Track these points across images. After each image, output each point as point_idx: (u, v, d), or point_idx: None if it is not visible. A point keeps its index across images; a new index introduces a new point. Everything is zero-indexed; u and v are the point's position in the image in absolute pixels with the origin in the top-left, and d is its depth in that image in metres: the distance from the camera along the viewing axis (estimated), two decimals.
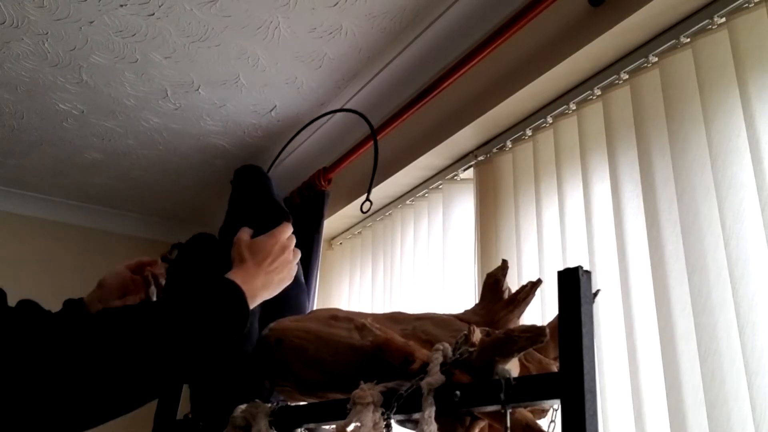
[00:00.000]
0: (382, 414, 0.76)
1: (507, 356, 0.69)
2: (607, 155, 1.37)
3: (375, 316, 0.95)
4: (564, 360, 0.62)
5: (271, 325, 1.07)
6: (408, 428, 0.84)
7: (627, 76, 1.37)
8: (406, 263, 1.95)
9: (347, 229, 2.37)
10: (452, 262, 1.76)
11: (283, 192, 1.57)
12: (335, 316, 0.99)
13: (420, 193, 1.99)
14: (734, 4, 1.17)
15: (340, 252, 2.40)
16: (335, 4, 1.71)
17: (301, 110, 2.22)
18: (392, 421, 0.78)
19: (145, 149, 2.57)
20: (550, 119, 1.55)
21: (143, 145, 2.54)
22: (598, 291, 0.71)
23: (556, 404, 0.67)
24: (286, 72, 2.02)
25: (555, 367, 0.79)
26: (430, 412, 0.71)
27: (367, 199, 1.50)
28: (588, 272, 0.63)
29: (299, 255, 1.13)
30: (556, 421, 0.68)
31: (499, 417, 0.70)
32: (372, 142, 1.62)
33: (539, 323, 0.98)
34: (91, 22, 1.84)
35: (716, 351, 1.04)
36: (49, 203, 3.09)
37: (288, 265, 1.08)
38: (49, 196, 3.06)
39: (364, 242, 2.27)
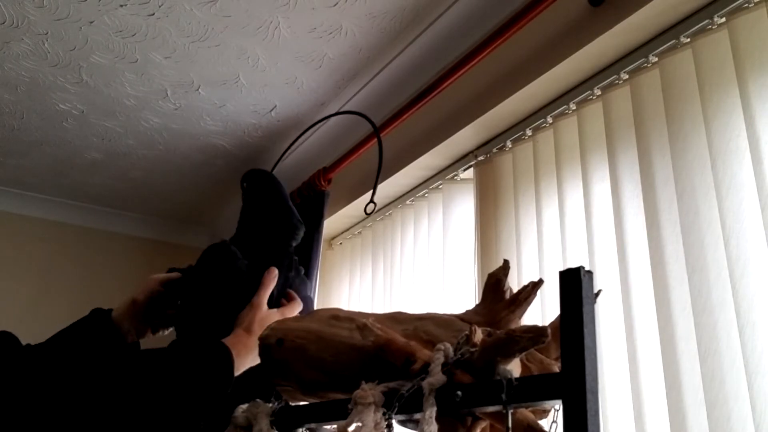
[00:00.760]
0: (384, 414, 0.77)
1: (508, 356, 0.69)
2: (607, 155, 1.37)
3: (376, 316, 0.95)
4: (566, 360, 0.62)
5: (272, 324, 1.07)
6: (409, 428, 0.84)
7: (627, 76, 1.37)
8: (406, 263, 1.95)
9: (347, 229, 2.37)
10: (452, 262, 1.76)
11: None
12: (336, 316, 0.99)
13: (420, 193, 1.99)
14: (734, 4, 1.17)
15: (340, 252, 2.40)
16: (335, 4, 1.72)
17: (301, 110, 2.22)
18: (393, 422, 0.78)
19: (145, 149, 2.57)
20: (550, 119, 1.55)
21: (143, 145, 2.54)
22: (599, 291, 0.71)
23: (558, 405, 0.67)
24: (286, 72, 2.02)
25: (557, 368, 0.79)
26: (431, 412, 0.71)
27: (372, 201, 1.50)
28: (590, 272, 0.64)
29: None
30: (557, 421, 0.68)
31: (500, 417, 0.70)
32: (373, 140, 1.62)
33: (540, 323, 0.98)
34: (91, 22, 1.84)
35: (716, 351, 1.04)
36: (49, 203, 3.09)
37: None
38: (49, 196, 3.06)
39: (364, 242, 2.27)
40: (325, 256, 2.37)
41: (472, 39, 1.70)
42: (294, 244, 1.33)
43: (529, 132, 1.61)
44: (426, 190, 1.96)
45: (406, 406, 0.75)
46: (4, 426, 0.83)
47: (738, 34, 1.16)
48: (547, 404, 0.69)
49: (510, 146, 1.66)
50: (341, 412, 0.81)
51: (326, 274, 2.40)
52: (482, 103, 1.65)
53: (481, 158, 1.75)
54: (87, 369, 0.90)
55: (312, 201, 2.08)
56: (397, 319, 0.94)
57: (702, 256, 1.11)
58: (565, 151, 1.49)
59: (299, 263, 1.35)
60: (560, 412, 0.63)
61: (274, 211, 1.33)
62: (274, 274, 1.20)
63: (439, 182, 1.91)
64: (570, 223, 1.41)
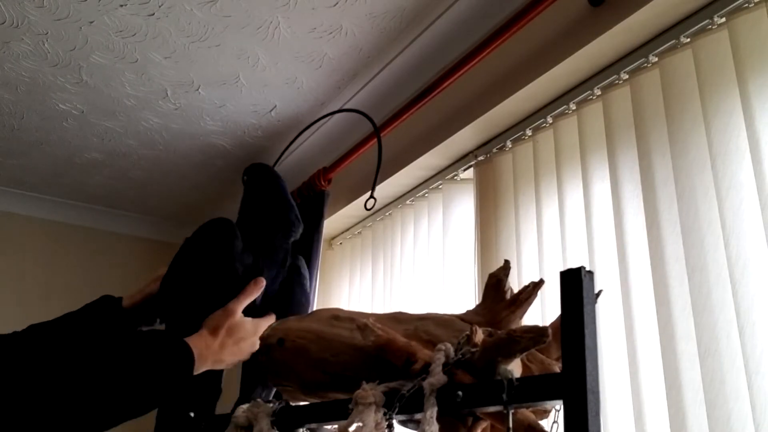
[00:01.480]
0: (384, 414, 0.77)
1: (509, 357, 0.70)
2: (607, 155, 1.37)
3: (377, 316, 0.95)
4: (566, 361, 0.62)
5: (273, 324, 1.07)
6: (410, 428, 0.84)
7: (627, 76, 1.37)
8: (406, 263, 1.95)
9: (347, 229, 2.37)
10: (452, 262, 1.76)
11: None
12: (337, 316, 1.00)
13: (420, 193, 1.99)
14: (734, 4, 1.17)
15: (340, 252, 2.40)
16: (335, 4, 1.72)
17: (301, 110, 2.22)
18: (394, 422, 0.78)
19: (145, 149, 2.57)
20: (550, 119, 1.55)
21: (143, 145, 2.54)
22: (600, 292, 0.71)
23: (559, 405, 0.67)
24: (286, 72, 2.02)
25: (557, 368, 0.79)
26: (432, 412, 0.71)
27: (371, 197, 1.50)
28: (590, 273, 0.64)
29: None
30: (558, 421, 0.68)
31: (501, 417, 0.70)
32: (373, 141, 1.62)
33: (540, 323, 0.98)
34: (91, 22, 1.84)
35: (716, 351, 1.04)
36: (49, 203, 3.09)
37: (249, 351, 1.14)
38: (49, 196, 3.06)
39: (364, 242, 2.27)
40: (325, 256, 2.37)
41: (472, 39, 1.70)
42: (291, 240, 1.32)
43: (529, 132, 1.61)
44: (426, 190, 1.96)
45: (407, 406, 0.75)
46: None
47: (738, 34, 1.16)
48: (548, 404, 0.69)
49: (510, 146, 1.66)
50: (342, 412, 0.81)
51: (326, 274, 2.40)
52: (482, 103, 1.65)
53: (481, 158, 1.75)
54: (50, 354, 0.92)
55: (312, 201, 2.08)
56: (397, 319, 0.94)
57: (702, 256, 1.11)
58: (565, 151, 1.49)
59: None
60: (561, 413, 0.64)
61: (273, 205, 1.32)
62: (261, 285, 1.19)
63: (439, 182, 1.91)
64: (570, 223, 1.41)
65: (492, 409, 0.71)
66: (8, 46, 1.95)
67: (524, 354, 0.73)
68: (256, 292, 1.18)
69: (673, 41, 1.28)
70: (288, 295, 1.28)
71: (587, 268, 0.64)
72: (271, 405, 0.99)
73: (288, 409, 0.97)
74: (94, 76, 2.10)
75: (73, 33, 1.88)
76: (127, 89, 2.16)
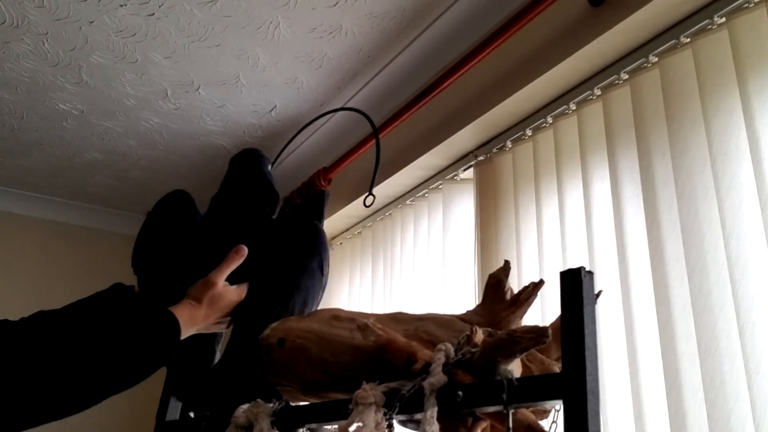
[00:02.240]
0: (384, 414, 0.77)
1: (509, 357, 0.70)
2: (607, 155, 1.37)
3: (377, 317, 0.95)
4: (566, 361, 0.62)
5: (273, 324, 1.07)
6: (410, 428, 0.84)
7: (627, 76, 1.37)
8: (406, 263, 1.95)
9: (347, 229, 2.37)
10: (452, 262, 1.76)
11: (283, 192, 1.57)
12: (337, 316, 1.00)
13: (420, 193, 1.99)
14: (734, 4, 1.17)
15: (340, 252, 2.40)
16: (335, 4, 1.72)
17: (301, 110, 2.22)
18: (394, 422, 0.78)
19: (145, 149, 2.57)
20: (550, 119, 1.55)
21: (143, 145, 2.54)
22: (600, 292, 0.71)
23: (559, 405, 0.67)
24: (286, 72, 2.02)
25: (557, 368, 0.79)
26: (432, 412, 0.71)
27: (370, 193, 1.50)
28: (590, 273, 0.64)
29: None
30: (557, 421, 0.68)
31: (501, 417, 0.70)
32: (373, 141, 1.62)
33: (540, 324, 0.98)
34: (91, 22, 1.84)
35: (716, 351, 1.04)
36: (49, 203, 3.09)
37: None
38: (49, 196, 3.06)
39: (364, 242, 2.27)
40: None
41: (472, 39, 1.70)
42: (271, 213, 1.32)
43: (529, 132, 1.61)
44: (426, 190, 1.96)
45: (407, 406, 0.75)
46: None
47: (738, 34, 1.16)
48: (548, 404, 0.69)
49: (510, 146, 1.66)
50: (342, 412, 0.81)
51: None
52: (482, 103, 1.65)
53: (481, 158, 1.75)
54: (39, 330, 0.93)
55: (312, 201, 2.08)
56: (397, 319, 0.94)
57: (702, 256, 1.11)
58: (565, 151, 1.49)
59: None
60: (561, 413, 0.64)
61: (251, 178, 1.33)
62: (242, 253, 1.17)
63: (439, 182, 1.91)
64: (570, 223, 1.41)
65: (492, 409, 0.71)
66: (8, 46, 1.95)
67: (524, 354, 0.73)
68: (237, 261, 1.16)
69: (673, 41, 1.28)
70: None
71: (587, 268, 0.64)
72: (271, 405, 0.99)
73: (288, 409, 0.97)
74: (94, 76, 2.10)
75: (73, 33, 1.88)
76: (127, 89, 2.16)
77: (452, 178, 1.86)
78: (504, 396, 0.66)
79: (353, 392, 0.79)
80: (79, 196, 3.05)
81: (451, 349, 0.77)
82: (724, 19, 1.19)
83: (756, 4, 1.14)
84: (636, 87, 1.34)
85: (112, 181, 2.87)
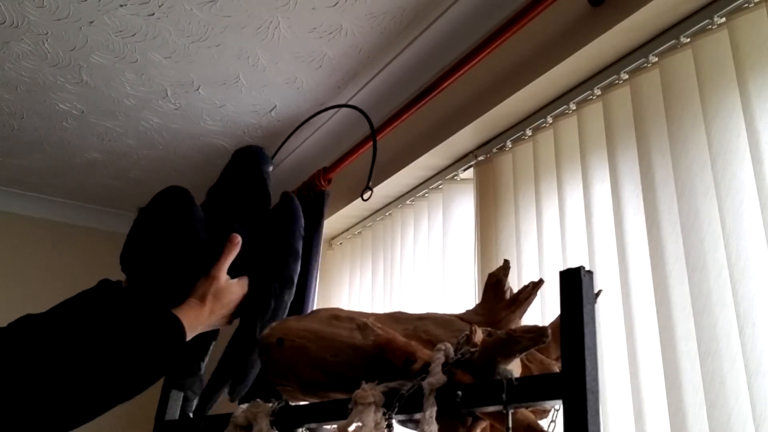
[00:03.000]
0: (384, 414, 0.76)
1: (509, 356, 0.69)
2: (607, 155, 1.37)
3: (376, 316, 0.95)
4: (566, 361, 0.62)
5: (273, 324, 1.06)
6: (409, 428, 0.84)
7: (627, 76, 1.37)
8: (406, 263, 1.95)
9: (347, 229, 2.37)
10: (452, 262, 1.76)
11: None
12: (336, 316, 0.99)
13: (420, 193, 1.99)
14: (734, 4, 1.17)
15: (340, 252, 2.40)
16: (335, 4, 1.72)
17: (301, 110, 2.22)
18: (393, 421, 0.78)
19: (145, 149, 2.57)
20: (550, 119, 1.55)
21: (143, 145, 2.54)
22: (600, 291, 0.71)
23: (558, 405, 0.67)
24: (286, 72, 2.02)
25: (557, 368, 0.79)
26: (431, 412, 0.71)
27: (368, 187, 1.49)
28: (590, 272, 0.64)
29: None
30: (556, 421, 0.68)
31: (500, 417, 0.70)
32: (372, 141, 1.62)
33: (540, 323, 0.98)
34: (91, 22, 1.84)
35: (716, 351, 1.04)
36: (49, 203, 3.09)
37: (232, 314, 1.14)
38: (49, 196, 3.06)
39: (364, 242, 2.27)
40: (325, 256, 2.37)
41: (472, 39, 1.70)
42: (263, 211, 1.30)
43: (529, 132, 1.61)
44: (426, 190, 1.96)
45: (407, 406, 0.75)
46: None
47: (738, 34, 1.16)
48: (548, 404, 0.69)
49: (510, 146, 1.66)
50: (341, 412, 0.81)
51: (326, 274, 2.40)
52: (482, 103, 1.65)
53: (481, 158, 1.75)
54: (40, 340, 0.90)
55: (312, 201, 2.08)
56: (397, 318, 0.94)
57: (702, 256, 1.11)
58: (565, 151, 1.49)
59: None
60: (560, 413, 0.63)
61: (248, 175, 1.31)
62: (237, 241, 1.14)
63: (439, 182, 1.91)
64: (570, 223, 1.41)
65: (491, 409, 0.71)
66: (8, 46, 1.95)
67: (524, 354, 0.73)
68: (234, 251, 1.14)
69: (673, 41, 1.28)
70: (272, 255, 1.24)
71: (587, 268, 0.64)
72: (271, 405, 0.99)
73: (287, 409, 0.96)
74: (94, 76, 2.10)
75: (73, 33, 1.88)
76: (127, 89, 2.16)
77: (452, 178, 1.86)
78: (503, 396, 0.66)
79: (352, 392, 0.79)
80: (79, 196, 3.06)
81: (451, 349, 0.77)
82: (724, 19, 1.19)
83: (756, 4, 1.14)
84: (636, 87, 1.34)
85: (112, 181, 2.87)
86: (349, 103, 2.12)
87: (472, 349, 0.74)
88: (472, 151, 1.79)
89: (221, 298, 1.10)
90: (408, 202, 2.04)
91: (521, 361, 0.78)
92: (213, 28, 1.84)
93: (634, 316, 1.20)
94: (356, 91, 2.08)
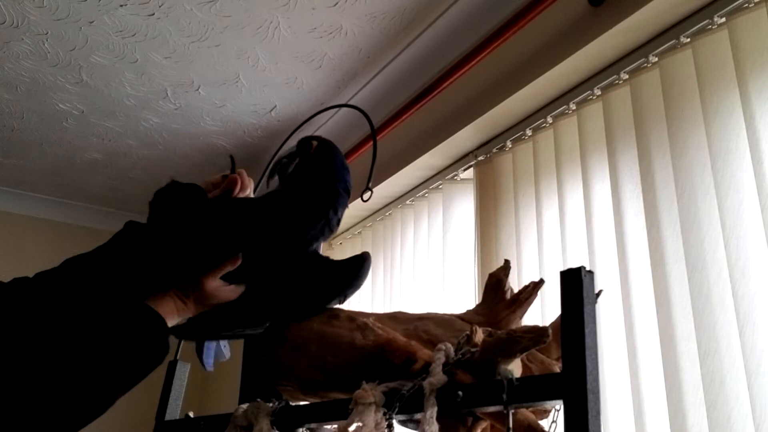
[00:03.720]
0: (384, 414, 0.76)
1: (509, 357, 0.69)
2: (607, 155, 1.37)
3: (377, 316, 0.95)
4: (567, 361, 0.62)
5: (273, 324, 1.06)
6: (410, 428, 0.84)
7: (627, 76, 1.37)
8: (406, 263, 1.95)
9: (347, 229, 2.37)
10: (452, 262, 1.76)
11: None
12: (337, 316, 0.99)
13: (420, 193, 1.99)
14: (734, 4, 1.17)
15: (340, 252, 2.40)
16: (335, 4, 1.72)
17: (301, 110, 2.22)
18: (394, 421, 0.78)
19: (145, 149, 2.56)
20: (550, 119, 1.55)
21: (143, 145, 2.53)
22: (600, 291, 0.71)
23: (559, 405, 0.67)
24: (286, 72, 2.02)
25: (557, 368, 0.79)
26: (432, 412, 0.71)
27: (367, 188, 1.47)
28: (591, 272, 0.64)
29: None
30: (557, 421, 0.68)
31: (501, 417, 0.70)
32: (372, 141, 1.62)
33: (540, 324, 0.98)
34: (91, 22, 1.83)
35: (716, 351, 1.04)
36: (49, 203, 3.09)
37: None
38: (49, 196, 3.06)
39: (364, 242, 2.27)
40: None
41: (472, 39, 1.70)
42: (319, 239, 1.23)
43: (529, 132, 1.61)
44: (426, 190, 1.96)
45: (407, 406, 0.75)
46: None
47: (738, 34, 1.16)
48: (548, 404, 0.69)
49: (510, 146, 1.66)
50: (342, 412, 0.81)
51: None
52: (482, 103, 1.65)
53: (481, 158, 1.75)
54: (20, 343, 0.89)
55: None
56: (397, 318, 0.94)
57: (702, 256, 1.11)
58: (565, 151, 1.49)
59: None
60: (561, 412, 0.63)
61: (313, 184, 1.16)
62: (236, 262, 1.08)
63: (439, 182, 1.91)
64: (570, 223, 1.41)
65: (492, 409, 0.71)
66: (8, 46, 1.95)
67: (524, 354, 0.73)
68: (229, 268, 1.11)
69: (673, 41, 1.28)
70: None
71: (587, 268, 0.64)
72: (271, 405, 0.99)
73: (288, 409, 0.96)
74: (94, 76, 2.09)
75: (73, 33, 1.88)
76: (127, 89, 2.16)
77: (452, 178, 1.86)
78: (504, 396, 0.66)
79: (353, 392, 0.79)
80: (79, 196, 3.05)
81: (451, 349, 0.77)
82: (724, 19, 1.19)
83: (756, 4, 1.14)
84: (636, 87, 1.34)
85: (112, 181, 2.87)
86: (349, 103, 2.12)
87: (473, 349, 0.74)
88: (472, 151, 1.79)
89: (203, 301, 1.09)
90: (408, 202, 2.04)
91: (522, 361, 0.78)
92: (213, 28, 1.83)
93: (634, 316, 1.20)
94: (356, 91, 2.08)
